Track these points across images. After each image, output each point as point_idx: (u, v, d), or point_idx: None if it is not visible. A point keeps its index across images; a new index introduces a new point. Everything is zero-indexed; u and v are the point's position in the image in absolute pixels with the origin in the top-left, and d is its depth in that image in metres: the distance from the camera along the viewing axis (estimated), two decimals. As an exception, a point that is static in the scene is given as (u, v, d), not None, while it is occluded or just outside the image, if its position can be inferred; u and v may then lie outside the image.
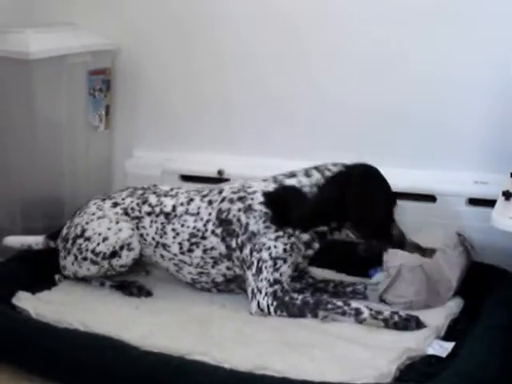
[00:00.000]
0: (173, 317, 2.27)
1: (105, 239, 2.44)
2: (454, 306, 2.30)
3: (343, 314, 2.21)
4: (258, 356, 2.03)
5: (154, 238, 2.45)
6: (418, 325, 2.17)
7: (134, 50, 2.92)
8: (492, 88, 2.57)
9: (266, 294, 2.27)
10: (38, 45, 2.73)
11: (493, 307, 2.21)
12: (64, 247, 2.51)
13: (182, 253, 2.41)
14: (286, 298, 2.26)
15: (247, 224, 2.31)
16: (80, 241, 2.46)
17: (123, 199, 2.51)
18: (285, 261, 2.30)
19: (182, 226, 2.41)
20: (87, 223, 2.47)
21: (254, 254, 2.29)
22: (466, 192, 2.56)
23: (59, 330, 2.18)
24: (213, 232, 2.36)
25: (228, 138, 2.93)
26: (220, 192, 2.41)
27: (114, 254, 2.43)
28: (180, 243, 2.41)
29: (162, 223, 2.43)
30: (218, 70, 2.92)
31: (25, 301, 2.36)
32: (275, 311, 2.26)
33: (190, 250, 2.40)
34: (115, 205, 2.50)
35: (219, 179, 2.85)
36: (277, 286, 2.27)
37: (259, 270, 2.28)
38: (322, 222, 2.33)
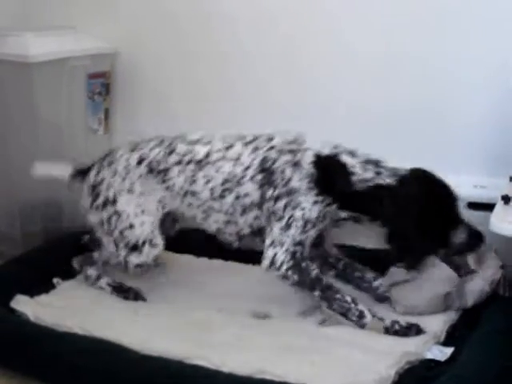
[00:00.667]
0: (172, 321, 2.27)
1: (131, 226, 2.42)
2: (452, 311, 2.30)
3: (347, 311, 2.20)
4: (257, 360, 2.03)
5: (182, 188, 2.39)
6: (418, 332, 2.17)
7: (134, 53, 2.92)
8: (491, 92, 2.56)
9: (286, 250, 2.24)
10: (38, 48, 2.74)
11: (491, 313, 2.22)
12: (92, 197, 2.48)
13: (213, 199, 2.36)
14: (304, 264, 2.25)
15: (290, 179, 2.26)
16: (111, 209, 2.44)
17: (150, 151, 2.44)
18: (314, 226, 2.27)
19: (217, 171, 2.35)
20: (119, 193, 2.43)
21: (288, 209, 2.25)
22: (465, 196, 2.56)
23: (58, 333, 2.18)
24: (251, 178, 2.31)
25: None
26: (269, 140, 2.35)
27: (135, 247, 2.42)
28: (212, 189, 2.36)
29: (193, 171, 2.37)
30: (218, 73, 2.92)
31: (23, 304, 2.35)
32: (287, 270, 2.24)
33: (222, 196, 2.35)
34: (141, 160, 2.43)
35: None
36: (298, 248, 2.25)
37: (288, 226, 2.25)
38: (362, 210, 2.27)
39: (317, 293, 2.23)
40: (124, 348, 2.10)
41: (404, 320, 2.21)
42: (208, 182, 2.35)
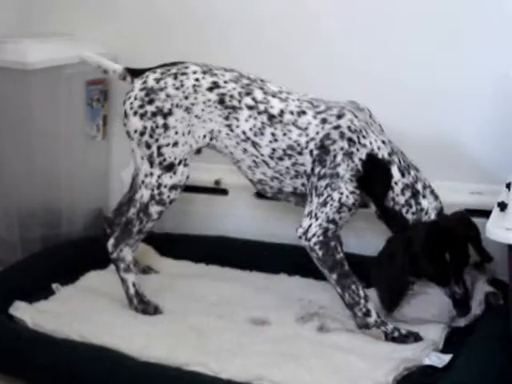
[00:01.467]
0: (170, 327, 2.27)
1: (175, 144, 2.36)
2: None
3: (356, 304, 2.23)
4: (256, 367, 2.03)
5: (245, 133, 2.35)
6: (417, 340, 2.18)
7: (132, 59, 2.89)
8: (489, 99, 2.58)
9: (320, 225, 2.27)
10: (36, 55, 2.73)
11: (489, 318, 2.23)
12: (143, 101, 2.35)
13: (271, 157, 2.35)
14: (333, 243, 2.27)
15: (338, 165, 2.27)
16: (160, 121, 2.34)
17: (225, 82, 2.37)
18: (349, 210, 2.29)
19: (284, 134, 2.33)
20: (177, 108, 2.34)
21: (328, 189, 2.27)
22: (461, 202, 2.57)
23: (56, 340, 2.18)
24: (311, 152, 2.31)
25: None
26: (339, 117, 2.32)
27: (171, 166, 2.37)
28: (274, 149, 2.34)
29: (263, 123, 2.34)
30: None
31: (22, 311, 2.35)
32: (315, 244, 2.27)
33: (281, 159, 2.35)
34: (212, 87, 2.36)
35: (216, 189, 2.86)
36: (332, 226, 2.28)
37: (325, 203, 2.28)
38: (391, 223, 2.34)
39: (334, 276, 2.26)
40: (122, 355, 2.10)
41: (404, 327, 2.23)
42: (273, 141, 2.34)
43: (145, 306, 2.39)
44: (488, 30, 2.55)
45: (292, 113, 2.34)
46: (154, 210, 2.37)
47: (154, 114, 2.34)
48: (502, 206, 2.10)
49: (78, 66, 2.77)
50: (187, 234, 2.87)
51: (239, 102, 2.35)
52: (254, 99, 2.35)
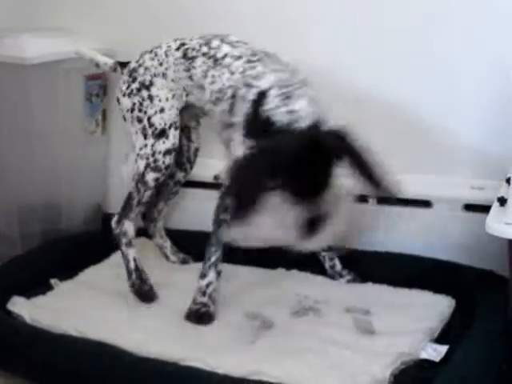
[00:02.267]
0: (168, 322, 2.27)
1: (162, 110, 2.42)
2: (445, 307, 2.33)
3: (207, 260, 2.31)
4: (253, 361, 2.02)
5: (198, 80, 2.36)
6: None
7: (130, 54, 2.89)
8: (489, 94, 2.56)
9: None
10: (35, 50, 2.73)
11: (487, 312, 2.21)
12: (128, 82, 2.48)
13: (210, 101, 2.33)
14: None
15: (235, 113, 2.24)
16: (145, 93, 2.44)
17: (191, 40, 2.42)
18: None
19: (219, 76, 2.29)
20: (155, 75, 2.43)
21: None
22: (462, 198, 2.56)
23: (53, 335, 2.18)
24: (229, 98, 2.27)
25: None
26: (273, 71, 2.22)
27: (162, 132, 2.41)
28: (211, 91, 2.31)
29: (208, 66, 2.33)
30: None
31: (20, 306, 2.35)
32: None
33: (215, 103, 2.32)
34: (179, 47, 2.42)
35: (215, 184, 2.85)
36: None
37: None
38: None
39: (212, 228, 2.32)
40: (121, 350, 2.09)
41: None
42: (212, 83, 2.32)
43: (141, 284, 2.43)
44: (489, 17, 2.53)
45: (233, 57, 2.31)
46: (150, 177, 2.43)
47: (138, 90, 2.45)
48: (502, 201, 2.10)
49: (76, 61, 2.76)
50: (186, 230, 2.86)
51: (197, 51, 2.38)
52: (209, 47, 2.36)
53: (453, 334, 2.19)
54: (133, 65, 2.50)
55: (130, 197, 2.47)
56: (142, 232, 2.73)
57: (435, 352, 2.07)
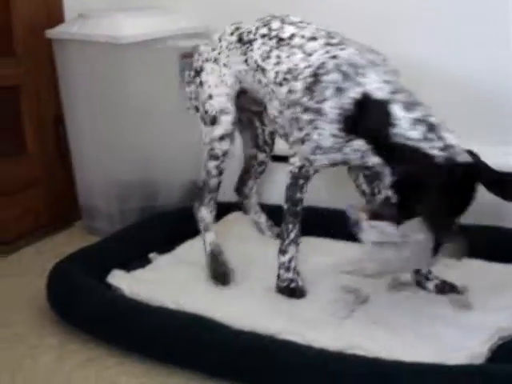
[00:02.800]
0: (264, 296, 2.29)
1: (210, 97, 2.43)
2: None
3: (282, 239, 2.30)
4: (349, 336, 2.02)
5: (256, 61, 2.33)
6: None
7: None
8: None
9: (299, 159, 2.23)
10: (130, 29, 2.78)
11: None
12: (188, 69, 2.52)
13: (275, 83, 2.27)
14: (301, 182, 2.24)
15: (325, 100, 2.12)
16: (197, 80, 2.46)
17: (249, 25, 2.42)
18: (324, 153, 2.15)
19: (288, 57, 2.26)
20: (206, 60, 2.44)
21: (310, 126, 2.15)
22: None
23: (151, 308, 2.21)
24: (304, 78, 2.19)
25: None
26: (342, 49, 2.17)
27: (214, 119, 2.43)
28: (277, 72, 2.26)
29: (271, 46, 2.29)
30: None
31: (119, 279, 2.40)
32: (290, 172, 2.25)
33: (280, 84, 2.26)
34: (233, 32, 2.43)
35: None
36: (307, 163, 2.21)
37: (302, 141, 2.18)
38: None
39: (285, 207, 2.28)
40: (217, 323, 2.11)
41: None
42: (277, 64, 2.27)
43: (217, 266, 2.44)
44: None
45: (303, 37, 2.25)
46: (211, 165, 2.47)
47: (193, 77, 2.47)
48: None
49: (171, 40, 2.79)
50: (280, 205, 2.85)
51: (255, 34, 2.35)
52: (269, 28, 2.33)
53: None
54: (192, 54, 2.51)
55: (200, 185, 2.52)
56: (239, 207, 2.76)
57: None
